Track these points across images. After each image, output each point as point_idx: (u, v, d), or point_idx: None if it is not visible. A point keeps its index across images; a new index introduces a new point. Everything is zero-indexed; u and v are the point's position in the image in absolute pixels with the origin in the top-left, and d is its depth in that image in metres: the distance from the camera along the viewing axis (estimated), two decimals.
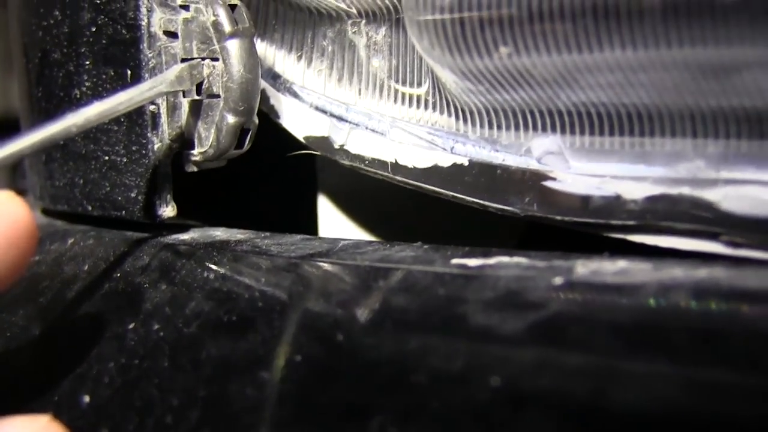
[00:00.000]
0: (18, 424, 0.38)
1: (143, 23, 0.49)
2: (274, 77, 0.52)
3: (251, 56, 0.48)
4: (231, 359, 0.42)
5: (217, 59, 0.49)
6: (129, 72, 0.49)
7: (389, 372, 0.38)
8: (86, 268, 0.50)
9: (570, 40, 0.40)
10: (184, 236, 0.50)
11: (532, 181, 0.44)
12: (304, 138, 0.52)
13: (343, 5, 0.50)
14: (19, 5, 0.57)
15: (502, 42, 0.41)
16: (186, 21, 0.49)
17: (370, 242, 0.46)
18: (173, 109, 0.49)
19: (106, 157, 0.51)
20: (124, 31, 0.50)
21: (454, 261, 0.41)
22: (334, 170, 0.53)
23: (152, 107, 0.49)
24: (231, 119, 0.48)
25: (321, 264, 0.44)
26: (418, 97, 0.49)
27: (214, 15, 0.48)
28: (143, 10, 0.48)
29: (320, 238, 0.50)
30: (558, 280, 0.37)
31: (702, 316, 0.35)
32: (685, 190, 0.40)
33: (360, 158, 0.50)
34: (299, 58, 0.52)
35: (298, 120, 0.52)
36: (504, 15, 0.40)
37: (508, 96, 0.44)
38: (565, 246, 0.43)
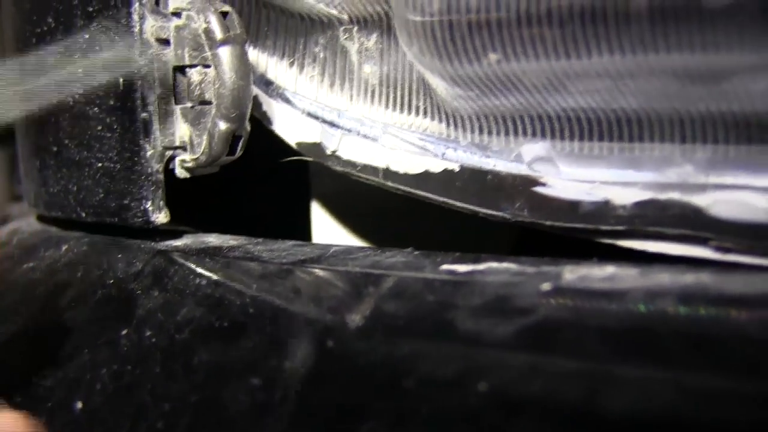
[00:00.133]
0: None
1: (135, 30, 0.49)
2: (266, 83, 0.52)
3: (243, 63, 0.48)
4: (223, 365, 0.42)
5: (209, 66, 0.49)
6: (121, 78, 0.50)
7: (380, 377, 0.38)
8: (80, 274, 0.51)
9: (558, 46, 0.40)
10: (177, 242, 0.50)
11: (522, 187, 0.45)
12: (296, 144, 0.52)
13: (334, 12, 0.50)
14: (12, 12, 0.57)
15: (491, 48, 0.41)
16: (178, 28, 0.49)
17: (361, 248, 0.46)
18: (165, 115, 0.50)
19: (100, 164, 0.51)
20: (116, 38, 0.50)
21: (444, 267, 0.41)
22: (327, 176, 0.53)
23: (144, 114, 0.49)
24: (223, 126, 0.48)
25: (312, 270, 0.44)
26: (410, 103, 0.49)
27: (206, 22, 0.48)
28: (135, 17, 0.48)
29: (312, 244, 0.50)
30: (546, 286, 0.38)
31: (689, 321, 0.36)
32: (674, 196, 0.41)
33: (352, 164, 0.50)
34: (291, 64, 0.53)
35: (290, 126, 0.52)
36: (492, 20, 0.41)
37: (498, 102, 0.45)
38: (559, 250, 0.43)
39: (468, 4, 0.41)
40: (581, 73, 0.41)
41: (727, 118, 0.39)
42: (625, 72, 0.40)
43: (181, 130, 0.50)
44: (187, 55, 0.49)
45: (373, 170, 0.49)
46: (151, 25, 0.49)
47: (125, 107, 0.50)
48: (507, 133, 0.46)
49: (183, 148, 0.50)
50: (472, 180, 0.46)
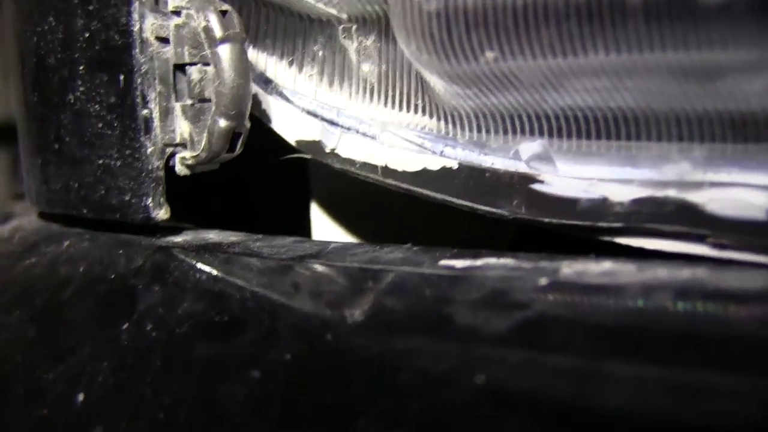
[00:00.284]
0: None
1: (135, 29, 0.49)
2: (265, 82, 0.53)
3: (242, 61, 0.49)
4: (222, 359, 0.42)
5: (208, 64, 0.49)
6: (122, 77, 0.50)
7: (377, 371, 0.38)
8: (81, 270, 0.51)
9: (555, 44, 0.40)
10: (178, 238, 0.51)
11: (520, 184, 0.45)
12: (295, 142, 0.52)
13: (333, 11, 0.50)
14: (14, 12, 0.58)
15: (488, 46, 0.42)
16: (178, 27, 0.49)
17: (360, 244, 0.47)
18: (166, 113, 0.50)
19: (101, 161, 0.52)
20: (116, 36, 0.50)
21: (442, 262, 0.41)
22: (327, 173, 0.53)
23: (145, 111, 0.49)
24: (223, 123, 0.49)
25: (312, 266, 0.45)
26: (408, 101, 0.50)
27: (206, 20, 0.48)
28: (135, 16, 0.49)
29: (311, 240, 0.50)
30: (543, 281, 0.38)
31: (686, 317, 0.36)
32: (671, 193, 0.41)
33: (351, 162, 0.50)
34: (290, 63, 0.53)
35: (289, 124, 0.52)
36: (489, 18, 0.41)
37: (496, 100, 0.45)
38: (556, 247, 0.43)
39: (465, 5, 0.41)
40: (578, 71, 0.41)
41: (723, 116, 0.39)
42: (622, 70, 0.40)
43: (181, 128, 0.50)
44: (186, 53, 0.50)
45: (372, 168, 0.50)
46: (151, 24, 0.49)
47: (125, 105, 0.50)
48: (505, 131, 0.46)
49: (183, 145, 0.50)
50: (470, 177, 0.46)
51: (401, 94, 0.50)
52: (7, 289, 0.55)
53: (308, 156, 0.52)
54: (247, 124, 0.50)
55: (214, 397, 0.41)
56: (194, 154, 0.50)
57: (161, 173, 0.50)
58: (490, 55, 0.42)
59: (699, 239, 0.40)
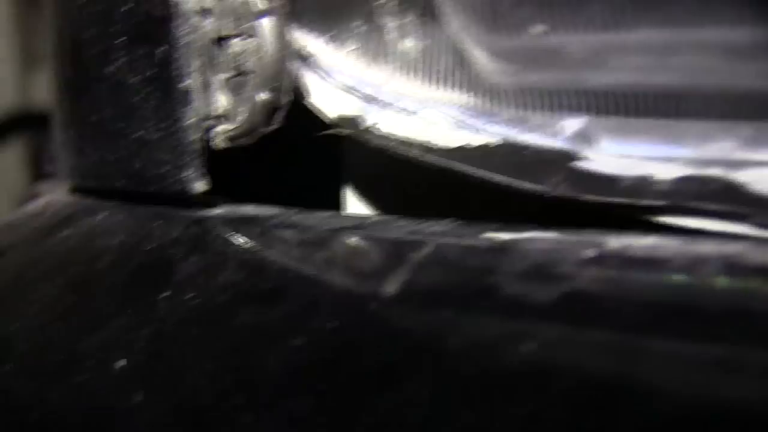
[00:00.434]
0: None
1: (177, 1, 0.49)
2: (304, 57, 0.53)
3: (283, 34, 0.49)
4: (263, 327, 0.42)
5: (249, 37, 0.49)
6: (162, 49, 0.50)
7: (421, 339, 0.38)
8: (117, 241, 0.51)
9: (604, 18, 0.40)
10: (215, 211, 0.51)
11: (561, 161, 0.45)
12: (333, 118, 0.52)
13: None
14: None
15: (536, 19, 0.42)
16: None
17: (399, 218, 0.47)
18: (205, 86, 0.50)
19: (138, 133, 0.52)
20: (157, 8, 0.50)
21: (485, 235, 0.41)
22: (361, 152, 0.53)
23: (185, 84, 0.50)
24: (263, 96, 0.49)
25: (351, 237, 0.45)
26: (448, 78, 0.49)
27: None
28: None
29: (349, 214, 0.50)
30: (590, 253, 0.38)
31: (731, 292, 0.36)
32: (715, 171, 0.41)
33: (389, 138, 0.50)
34: (330, 39, 0.53)
35: (327, 100, 0.52)
36: None
37: (540, 76, 0.45)
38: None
39: None
40: (625, 47, 0.41)
41: None
42: (670, 46, 0.40)
43: (221, 101, 0.50)
44: (227, 26, 0.50)
45: (411, 144, 0.49)
46: None
47: (165, 77, 0.50)
48: (548, 108, 0.46)
49: (222, 118, 0.50)
50: (510, 154, 0.46)
51: (442, 70, 0.50)
52: (43, 260, 0.55)
53: (346, 132, 0.52)
54: (287, 97, 0.50)
55: (255, 364, 0.41)
56: (233, 126, 0.50)
57: (199, 146, 0.50)
58: (537, 28, 0.42)
59: (742, 218, 0.40)
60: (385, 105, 0.50)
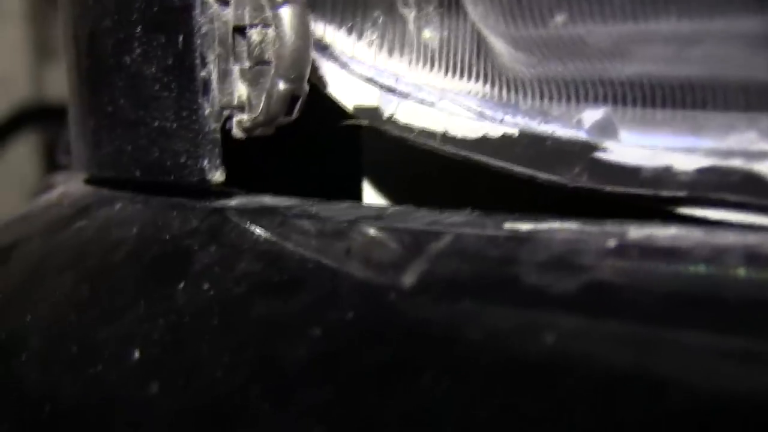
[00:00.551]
0: None
1: None
2: (323, 48, 0.53)
3: (303, 24, 0.49)
4: (281, 318, 0.42)
5: (269, 26, 0.49)
6: (181, 38, 0.50)
7: (440, 330, 0.38)
8: (134, 231, 0.51)
9: (627, 8, 0.40)
10: (233, 201, 0.51)
11: (581, 152, 0.45)
12: (352, 108, 0.52)
13: None
14: None
15: (558, 9, 0.41)
16: None
17: (418, 209, 0.47)
18: (224, 75, 0.50)
19: (156, 123, 0.52)
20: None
21: (506, 225, 0.41)
22: (380, 143, 0.53)
23: (204, 73, 0.49)
24: (282, 86, 0.49)
25: (371, 227, 0.44)
26: (469, 69, 0.49)
27: None
28: None
29: (368, 205, 0.50)
30: (612, 243, 0.38)
31: (755, 283, 0.35)
32: (737, 163, 0.40)
33: (409, 129, 0.50)
34: (350, 29, 0.53)
35: (347, 90, 0.52)
36: None
37: (561, 67, 0.45)
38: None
39: None
40: (647, 37, 0.41)
41: None
42: (692, 37, 0.40)
43: (239, 90, 0.50)
44: (247, 15, 0.49)
45: (431, 135, 0.49)
46: None
47: (184, 66, 0.50)
48: (568, 99, 0.46)
49: (240, 108, 0.50)
50: (531, 145, 0.46)
51: (462, 61, 0.50)
52: (59, 251, 0.55)
53: (365, 123, 0.52)
54: (306, 87, 0.49)
55: (272, 355, 0.41)
56: (252, 116, 0.50)
57: (218, 135, 0.50)
58: (559, 18, 0.42)
59: (764, 210, 0.40)
60: (405, 96, 0.50)
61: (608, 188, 0.44)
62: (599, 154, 0.44)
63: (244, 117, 0.50)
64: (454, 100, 0.49)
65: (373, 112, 0.51)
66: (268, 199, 0.51)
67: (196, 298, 0.45)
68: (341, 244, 0.44)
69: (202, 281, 0.45)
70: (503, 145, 0.47)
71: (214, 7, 0.49)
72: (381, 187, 0.59)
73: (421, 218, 0.44)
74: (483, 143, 0.48)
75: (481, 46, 0.48)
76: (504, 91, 0.48)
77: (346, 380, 0.39)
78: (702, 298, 0.36)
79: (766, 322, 0.34)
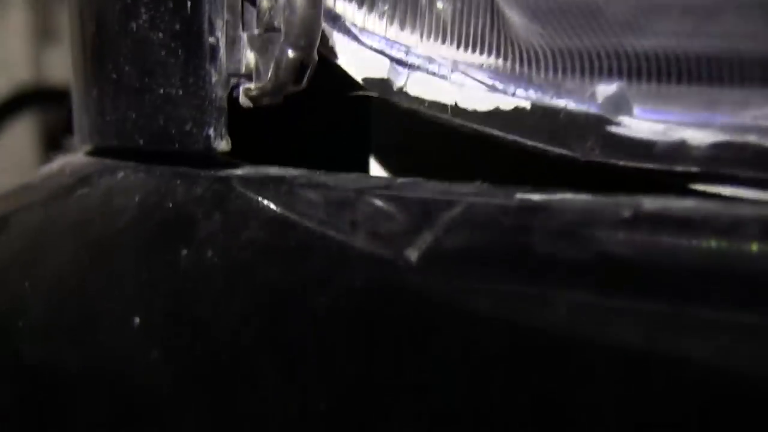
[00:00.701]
0: None
1: None
2: (334, 18, 0.52)
3: None
4: (286, 285, 0.41)
5: None
6: (189, 4, 0.49)
7: (451, 299, 0.38)
8: (137, 199, 0.50)
9: None
10: (238, 171, 0.50)
11: (595, 126, 0.44)
12: (362, 80, 0.51)
13: None
14: None
15: None
16: None
17: (428, 180, 0.46)
18: (232, 42, 0.49)
19: (162, 90, 0.51)
20: None
21: (518, 195, 0.41)
22: (389, 115, 0.52)
23: (212, 39, 0.49)
24: (291, 53, 0.48)
25: (380, 196, 0.44)
26: (482, 41, 0.49)
27: None
28: None
29: (377, 176, 0.49)
30: (626, 213, 0.37)
31: None
32: (752, 138, 0.40)
33: (419, 101, 0.49)
34: (361, 1, 0.52)
35: (357, 62, 0.51)
36: None
37: (576, 39, 0.44)
38: None
39: None
40: (665, 10, 0.40)
41: None
42: (711, 10, 0.39)
43: (248, 58, 0.49)
44: None
45: (442, 107, 0.49)
46: None
47: (191, 32, 0.49)
48: (582, 73, 0.45)
49: (248, 76, 0.49)
50: (543, 118, 0.45)
51: (475, 33, 0.49)
52: (60, 219, 0.54)
53: (374, 94, 0.51)
54: (315, 56, 0.49)
55: (277, 322, 0.40)
56: (259, 84, 0.49)
57: (225, 104, 0.49)
58: None
59: None
60: (415, 68, 0.50)
61: (621, 163, 0.43)
62: (612, 128, 0.43)
63: (252, 85, 0.49)
64: (465, 73, 0.48)
65: (383, 84, 0.50)
66: (274, 170, 0.51)
67: (199, 265, 0.44)
68: (349, 214, 0.43)
69: (206, 248, 0.44)
70: (515, 117, 0.46)
71: None
72: (390, 159, 0.59)
73: (431, 188, 0.44)
74: (494, 116, 0.47)
75: (495, 18, 0.48)
76: (517, 65, 0.47)
77: (354, 350, 0.39)
78: (714, 271, 0.35)
79: None
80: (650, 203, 0.38)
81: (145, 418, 0.43)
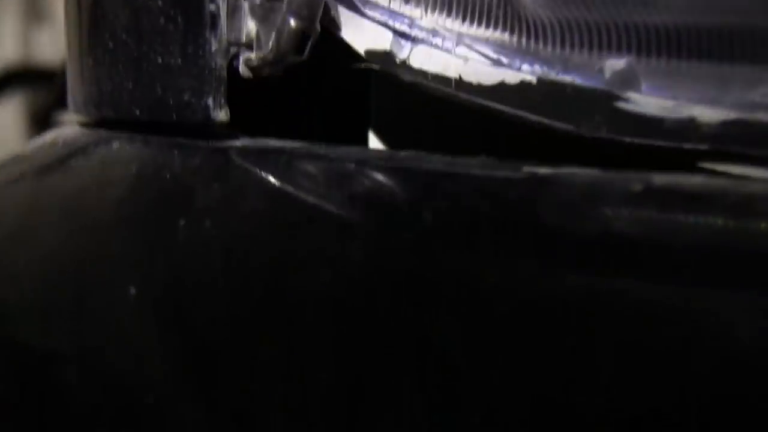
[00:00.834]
0: None
1: None
2: None
3: None
4: (288, 256, 0.41)
5: None
6: None
7: (457, 272, 0.37)
8: (134, 169, 0.49)
9: None
10: (236, 142, 0.49)
11: (602, 102, 0.43)
12: (364, 52, 0.50)
13: None
14: None
15: None
16: None
17: (431, 154, 0.45)
18: (233, 10, 0.48)
19: (160, 59, 0.50)
20: None
21: (525, 168, 0.40)
22: (391, 89, 0.52)
23: (212, 6, 0.48)
24: (293, 23, 0.47)
25: (381, 169, 0.43)
26: (488, 14, 0.48)
27: None
28: None
29: (378, 149, 0.49)
30: (638, 187, 0.36)
31: None
32: (762, 116, 0.39)
33: (422, 74, 0.49)
34: None
35: (359, 33, 0.51)
36: None
37: (585, 12, 0.43)
38: None
39: None
40: None
41: None
42: None
43: (249, 27, 0.49)
44: None
45: (445, 81, 0.48)
46: None
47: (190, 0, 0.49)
48: (590, 47, 0.44)
49: (249, 45, 0.49)
50: (549, 93, 0.45)
51: (481, 6, 0.48)
52: (54, 189, 0.53)
53: (376, 66, 0.50)
54: (318, 27, 0.48)
55: (279, 291, 0.39)
56: (260, 54, 0.48)
57: (224, 73, 0.49)
58: None
59: None
60: (419, 41, 0.49)
61: (628, 139, 0.42)
62: (620, 104, 0.43)
63: (253, 55, 0.48)
64: (470, 46, 0.47)
65: (386, 56, 0.50)
66: (274, 141, 0.50)
67: (198, 235, 0.43)
68: (350, 185, 0.43)
69: (203, 219, 0.44)
70: (520, 92, 0.45)
71: None
72: (391, 133, 0.58)
73: (434, 162, 0.43)
74: (499, 90, 0.46)
75: None
76: (523, 38, 0.46)
77: (358, 323, 0.38)
78: (724, 249, 0.35)
79: None
80: (660, 178, 0.37)
81: (143, 391, 0.43)
